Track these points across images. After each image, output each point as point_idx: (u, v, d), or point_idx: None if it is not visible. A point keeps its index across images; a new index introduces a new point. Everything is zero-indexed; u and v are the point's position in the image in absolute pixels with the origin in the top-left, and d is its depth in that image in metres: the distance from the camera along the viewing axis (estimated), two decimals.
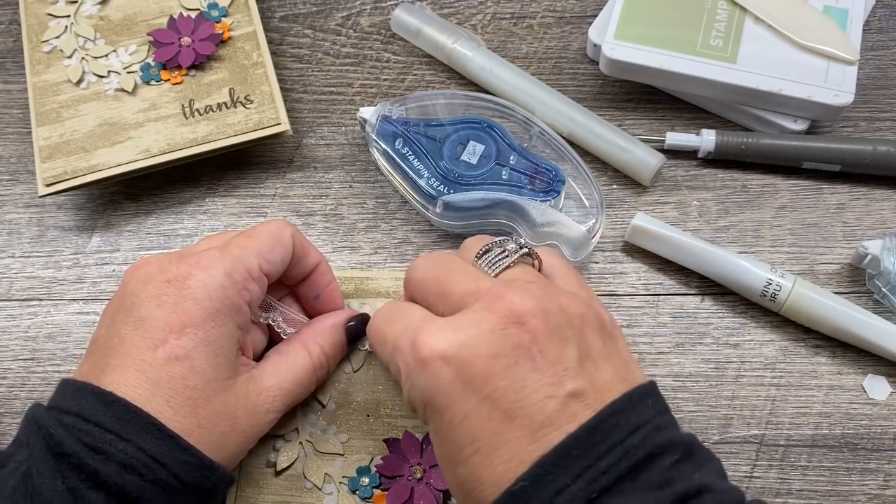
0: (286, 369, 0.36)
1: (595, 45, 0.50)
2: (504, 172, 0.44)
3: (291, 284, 0.40)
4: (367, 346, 0.41)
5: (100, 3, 0.50)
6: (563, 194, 0.44)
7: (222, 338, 0.33)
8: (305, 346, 0.38)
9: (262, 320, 0.39)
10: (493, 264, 0.33)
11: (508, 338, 0.28)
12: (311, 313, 0.41)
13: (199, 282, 0.33)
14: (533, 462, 0.27)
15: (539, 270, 0.34)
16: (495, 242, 0.34)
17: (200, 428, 0.32)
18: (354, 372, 0.41)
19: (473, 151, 0.45)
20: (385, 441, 0.39)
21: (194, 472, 0.31)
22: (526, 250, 0.33)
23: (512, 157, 0.45)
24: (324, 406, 0.40)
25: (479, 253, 0.34)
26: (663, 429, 0.28)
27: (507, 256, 0.33)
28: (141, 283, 0.34)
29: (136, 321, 0.33)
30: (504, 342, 0.28)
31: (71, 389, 0.31)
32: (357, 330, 0.40)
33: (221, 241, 0.36)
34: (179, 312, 0.32)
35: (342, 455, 0.39)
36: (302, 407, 0.40)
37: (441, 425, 0.29)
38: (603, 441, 0.27)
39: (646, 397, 0.29)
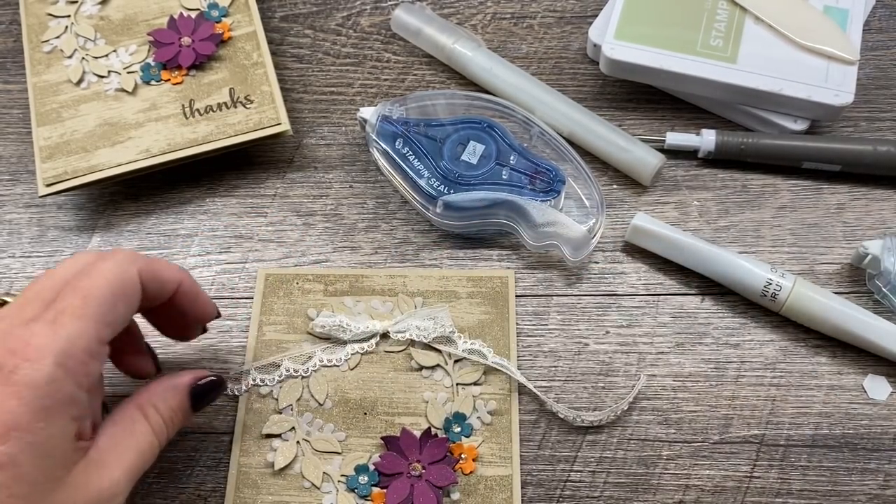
0: (125, 445, 0.33)
1: (595, 45, 0.50)
2: (504, 172, 0.44)
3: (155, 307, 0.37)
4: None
5: (100, 3, 0.50)
6: (563, 194, 0.44)
7: (54, 437, 0.30)
8: (142, 410, 0.34)
9: None
10: None
11: None
12: (184, 334, 0.39)
13: (26, 376, 0.29)
14: None
15: None
16: None
17: None
18: (351, 370, 0.41)
19: (473, 151, 0.45)
20: (383, 439, 0.39)
21: None
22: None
23: (512, 157, 0.45)
24: (321, 404, 0.40)
25: None
26: None
27: None
28: None
29: None
30: None
31: None
32: (205, 392, 0.37)
33: (55, 289, 0.32)
34: (3, 412, 0.29)
35: (340, 453, 0.39)
36: (298, 406, 0.40)
37: None
38: None
39: None
